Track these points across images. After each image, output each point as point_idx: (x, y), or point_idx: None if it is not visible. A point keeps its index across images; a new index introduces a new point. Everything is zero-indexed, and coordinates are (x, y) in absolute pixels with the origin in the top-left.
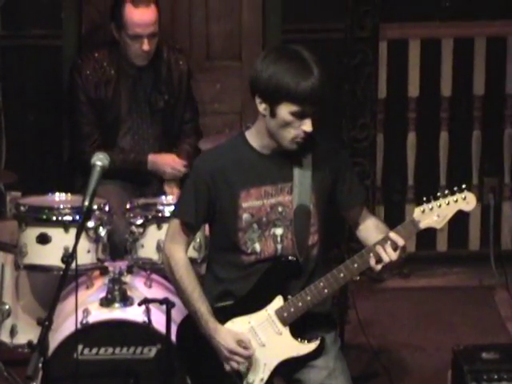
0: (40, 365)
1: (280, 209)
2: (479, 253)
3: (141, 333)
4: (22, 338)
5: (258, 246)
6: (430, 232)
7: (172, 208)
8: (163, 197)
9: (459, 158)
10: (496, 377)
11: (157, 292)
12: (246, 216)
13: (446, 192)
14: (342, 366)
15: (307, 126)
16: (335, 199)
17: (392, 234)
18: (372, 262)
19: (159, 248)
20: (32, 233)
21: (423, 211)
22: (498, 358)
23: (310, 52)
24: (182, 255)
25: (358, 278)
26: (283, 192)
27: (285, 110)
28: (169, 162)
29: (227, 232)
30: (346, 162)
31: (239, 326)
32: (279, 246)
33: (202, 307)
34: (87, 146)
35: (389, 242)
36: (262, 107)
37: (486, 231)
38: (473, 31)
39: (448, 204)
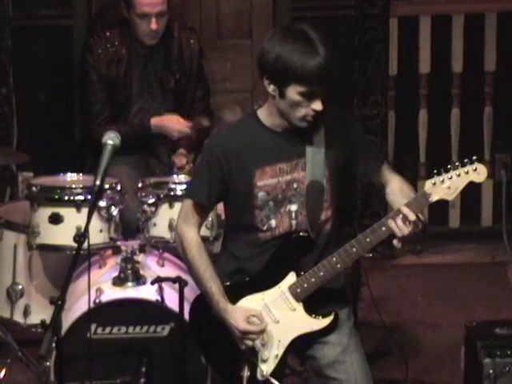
0: (53, 344)
1: (295, 185)
2: (492, 229)
3: (154, 311)
4: (35, 318)
5: (273, 223)
6: (443, 208)
7: (184, 186)
8: (175, 175)
9: (471, 134)
10: (509, 352)
11: (169, 271)
12: (261, 194)
13: (457, 164)
14: (356, 342)
15: (317, 105)
16: (355, 170)
17: (403, 208)
18: (394, 241)
19: (171, 226)
20: (44, 213)
21: (434, 184)
22: (511, 333)
23: (316, 31)
24: (194, 235)
25: (371, 255)
26: (297, 168)
27: (293, 91)
28: (173, 125)
29: (243, 210)
30: (359, 132)
31: (253, 304)
32: (294, 222)
33: (213, 287)
34: (96, 124)
35: (400, 216)
36: (270, 88)
37: (499, 207)
38: (483, 7)
39: (459, 176)
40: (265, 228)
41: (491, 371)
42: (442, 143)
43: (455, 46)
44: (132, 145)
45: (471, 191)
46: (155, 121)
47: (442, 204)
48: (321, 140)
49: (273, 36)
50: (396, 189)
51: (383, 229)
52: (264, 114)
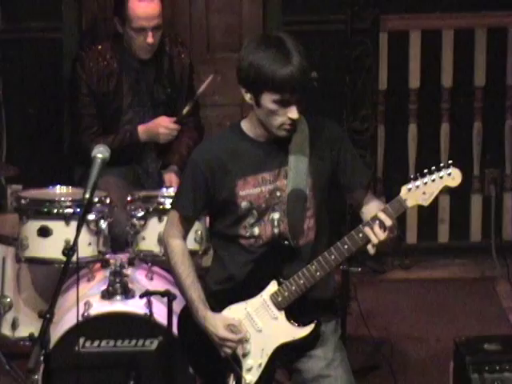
0: (41, 358)
1: (278, 193)
2: (481, 244)
3: (142, 325)
4: (23, 331)
5: (256, 230)
6: (432, 223)
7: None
8: (164, 189)
9: (460, 149)
10: (498, 368)
11: (158, 284)
12: (244, 204)
13: (433, 169)
14: (342, 356)
15: (292, 113)
16: (338, 181)
17: (380, 214)
18: (368, 246)
19: (160, 240)
20: (33, 226)
21: (409, 189)
22: (499, 349)
23: (293, 39)
24: (178, 242)
25: (360, 269)
26: (280, 177)
27: (267, 99)
28: (159, 122)
29: (227, 219)
30: (346, 144)
31: (236, 313)
32: (276, 230)
33: (194, 294)
34: (86, 137)
35: (377, 222)
36: (247, 97)
37: (488, 222)
38: (473, 22)
39: (434, 181)
40: (247, 235)
41: None
42: (432, 158)
43: (445, 61)
44: (121, 155)
45: (460, 206)
46: (142, 126)
47: (431, 219)
48: (305, 149)
49: (248, 44)
50: (374, 207)
51: (360, 235)
52: (247, 125)
